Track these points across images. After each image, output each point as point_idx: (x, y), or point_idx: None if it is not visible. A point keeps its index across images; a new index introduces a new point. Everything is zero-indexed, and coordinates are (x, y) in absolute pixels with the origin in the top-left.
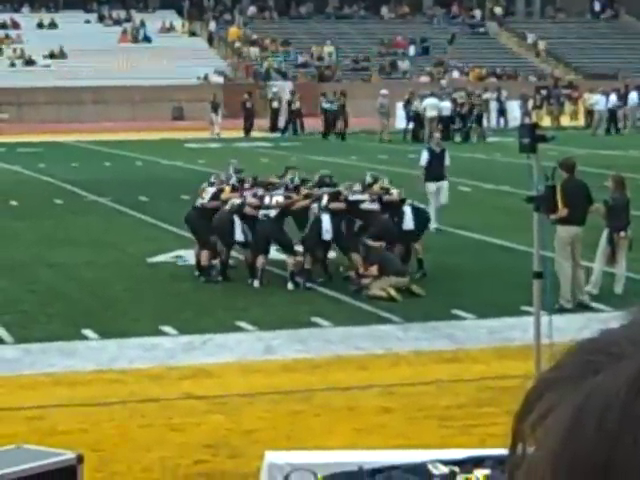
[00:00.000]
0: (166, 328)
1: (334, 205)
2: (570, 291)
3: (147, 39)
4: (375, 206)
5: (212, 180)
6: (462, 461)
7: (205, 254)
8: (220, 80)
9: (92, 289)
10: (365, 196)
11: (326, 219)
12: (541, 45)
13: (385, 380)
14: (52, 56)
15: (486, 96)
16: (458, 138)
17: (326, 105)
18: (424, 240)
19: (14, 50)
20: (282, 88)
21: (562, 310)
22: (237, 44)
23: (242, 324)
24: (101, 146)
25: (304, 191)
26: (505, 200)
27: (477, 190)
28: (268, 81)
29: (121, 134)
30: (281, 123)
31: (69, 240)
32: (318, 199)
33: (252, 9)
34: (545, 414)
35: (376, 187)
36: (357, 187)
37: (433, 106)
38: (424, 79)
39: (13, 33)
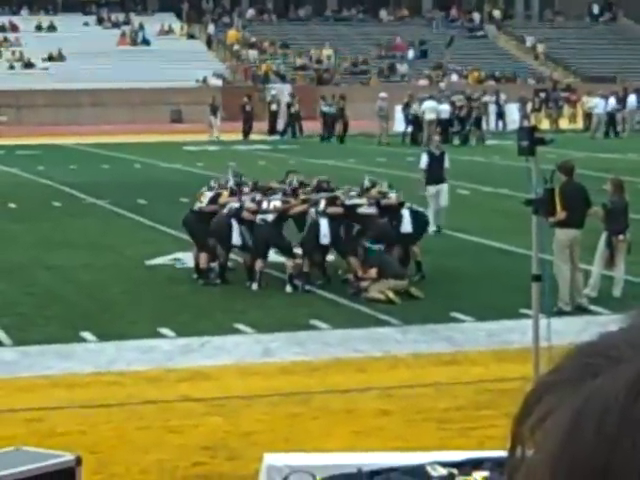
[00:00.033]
0: (164, 330)
1: (331, 210)
2: (569, 294)
3: (146, 42)
4: (372, 210)
5: (212, 184)
6: (461, 463)
7: (204, 257)
8: (219, 83)
9: (90, 291)
10: (363, 200)
11: (324, 223)
12: (540, 48)
13: (384, 383)
14: (51, 59)
15: (485, 99)
16: (457, 141)
17: (325, 108)
18: (422, 243)
19: (13, 53)
20: (281, 91)
21: (561, 313)
22: (236, 47)
23: (240, 326)
24: (99, 149)
25: (302, 196)
26: (504, 203)
27: (476, 193)
28: (267, 84)
29: (120, 137)
30: (280, 126)
31: (67, 243)
32: (316, 204)
33: (251, 12)
34: (544, 417)
35: (374, 191)
36: (354, 192)
37: (432, 109)
38: (423, 82)
39: (12, 36)
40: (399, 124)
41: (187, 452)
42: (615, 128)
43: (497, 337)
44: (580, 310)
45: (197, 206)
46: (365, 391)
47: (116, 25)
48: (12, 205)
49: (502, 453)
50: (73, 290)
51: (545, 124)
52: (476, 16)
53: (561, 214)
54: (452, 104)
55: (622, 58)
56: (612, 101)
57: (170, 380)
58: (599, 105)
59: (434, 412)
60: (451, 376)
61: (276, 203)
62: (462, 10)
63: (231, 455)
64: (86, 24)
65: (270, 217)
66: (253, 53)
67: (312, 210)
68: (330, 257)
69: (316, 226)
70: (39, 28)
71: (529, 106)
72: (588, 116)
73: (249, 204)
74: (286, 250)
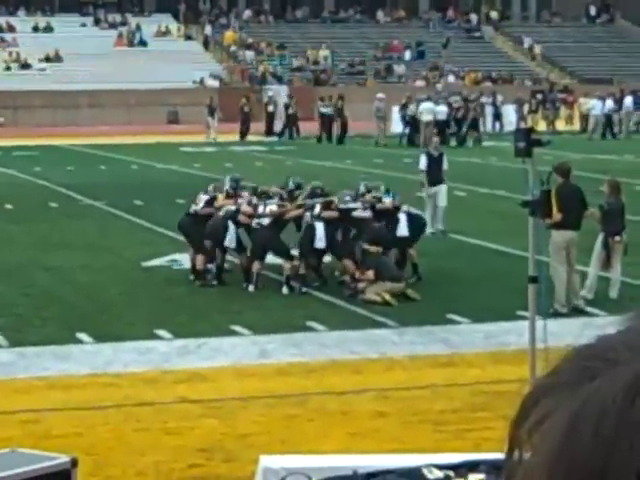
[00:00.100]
0: (161, 332)
1: (326, 214)
2: (565, 296)
3: (143, 43)
4: (367, 213)
5: (209, 189)
6: (457, 465)
7: (201, 258)
8: (216, 84)
9: (87, 293)
10: (357, 204)
11: (320, 227)
12: (537, 49)
13: (380, 384)
14: (48, 60)
15: (482, 100)
16: (453, 142)
17: (324, 109)
18: (419, 244)
19: (10, 53)
20: (278, 92)
21: (557, 315)
22: (233, 48)
23: (237, 328)
24: (96, 150)
25: (298, 200)
26: (500, 204)
27: (472, 194)
28: (264, 85)
29: (117, 138)
30: (277, 127)
31: (64, 244)
32: (311, 208)
33: (248, 13)
34: (541, 420)
35: (368, 196)
36: (348, 197)
37: (429, 110)
38: (420, 83)
39: (9, 36)
40: (396, 125)
41: (183, 454)
42: (612, 130)
43: (493, 339)
44: (577, 312)
45: (192, 209)
46: (361, 393)
47: (113, 26)
48: (9, 206)
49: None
50: (70, 291)
51: (542, 125)
52: (473, 17)
53: (557, 216)
54: (449, 105)
55: (619, 60)
56: (609, 103)
57: (167, 382)
58: (597, 107)
59: (430, 414)
60: (447, 378)
61: (272, 207)
62: (459, 11)
63: (227, 457)
64: (83, 25)
65: (266, 221)
66: (250, 54)
67: (307, 214)
68: (327, 259)
69: (312, 230)
70: (36, 29)
71: (526, 107)
72: (585, 117)
73: (245, 207)
74: (283, 253)
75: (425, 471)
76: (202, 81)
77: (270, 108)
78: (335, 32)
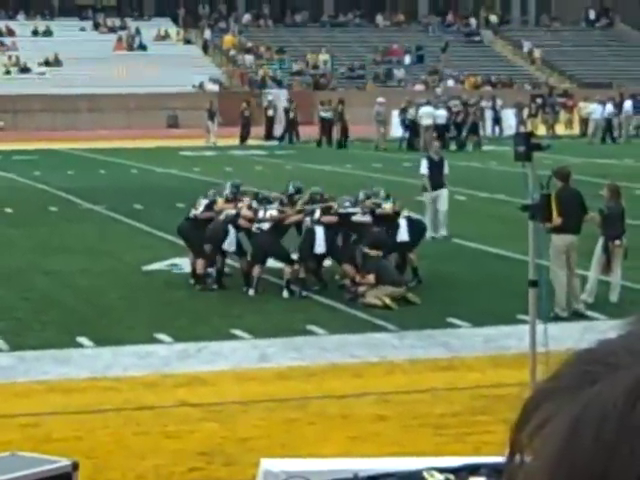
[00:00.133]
0: (161, 336)
1: (326, 218)
2: (565, 300)
3: (142, 47)
4: (367, 218)
5: (210, 194)
6: (457, 469)
7: (201, 262)
8: (215, 88)
9: (87, 297)
10: (357, 209)
11: (319, 232)
12: (536, 53)
13: (380, 388)
14: (47, 64)
15: (481, 104)
16: (453, 146)
17: (324, 114)
18: (419, 248)
19: (9, 57)
20: (277, 96)
21: (557, 318)
22: (232, 52)
23: (237, 332)
24: (96, 154)
25: (298, 206)
26: (500, 209)
27: (472, 199)
28: (263, 89)
29: (116, 142)
30: (277, 131)
31: (64, 248)
32: (311, 213)
33: (247, 17)
34: (542, 424)
35: (368, 202)
36: (348, 203)
37: (428, 114)
38: (419, 87)
39: (8, 40)
40: (396, 129)
41: (184, 458)
42: (612, 134)
43: (494, 343)
44: (577, 316)
45: (192, 213)
46: (361, 396)
47: (112, 30)
48: (9, 210)
49: (498, 459)
50: (70, 295)
51: (541, 130)
52: (473, 21)
53: (557, 220)
54: (449, 109)
55: (618, 64)
56: (609, 107)
57: (167, 385)
58: (597, 111)
59: (430, 418)
60: (447, 382)
61: (272, 212)
62: (458, 15)
63: (228, 461)
64: (82, 29)
65: (266, 226)
66: (249, 58)
67: (307, 219)
68: (327, 263)
69: (312, 235)
70: (35, 33)
71: (525, 112)
72: (584, 122)
73: (245, 211)
74: (284, 258)
75: (425, 474)
76: (202, 85)
77: (270, 112)
78: (334, 36)
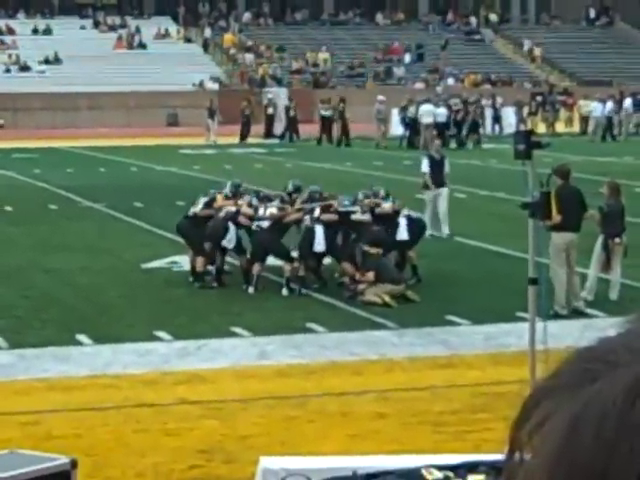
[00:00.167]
0: (160, 333)
1: (326, 217)
2: (565, 297)
3: (142, 45)
4: (366, 217)
5: (211, 193)
6: (456, 466)
7: (201, 260)
8: (215, 87)
9: (87, 295)
10: (356, 207)
11: (319, 230)
12: (536, 52)
13: (379, 386)
14: (47, 62)
15: (481, 103)
16: (453, 145)
17: (325, 112)
18: (419, 246)
19: (9, 56)
20: (277, 94)
21: (557, 316)
22: (232, 50)
23: (237, 329)
24: (96, 152)
25: (297, 204)
26: (500, 206)
27: (472, 197)
28: (263, 87)
29: (116, 140)
30: (278, 129)
31: (64, 246)
32: (310, 211)
33: (247, 15)
34: (542, 422)
35: (367, 201)
36: (347, 202)
37: (429, 113)
38: (419, 85)
39: (8, 39)
40: (396, 127)
41: (183, 455)
42: (612, 132)
43: (493, 340)
44: (577, 313)
45: (191, 211)
46: (361, 394)
47: (112, 28)
48: (9, 208)
49: (498, 456)
50: (70, 293)
51: (541, 128)
52: (473, 20)
53: (556, 217)
54: (449, 108)
55: (618, 62)
56: (610, 104)
57: (166, 383)
58: (597, 109)
59: (430, 415)
60: (447, 379)
61: (272, 210)
62: (459, 14)
63: (227, 458)
64: (83, 27)
65: (266, 223)
66: (249, 57)
67: (307, 217)
68: (327, 260)
69: (311, 233)
70: (35, 31)
71: (525, 110)
72: (584, 120)
73: (245, 209)
74: (284, 256)
75: (425, 472)
76: (201, 84)
77: (270, 110)
78: (334, 34)
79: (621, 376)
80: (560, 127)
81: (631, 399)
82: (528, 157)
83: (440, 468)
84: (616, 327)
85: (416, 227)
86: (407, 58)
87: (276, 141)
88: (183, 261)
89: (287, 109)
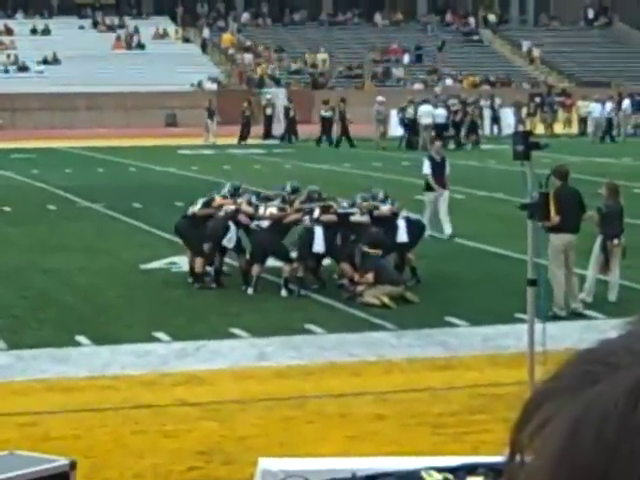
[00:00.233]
0: (159, 334)
1: (325, 217)
2: (564, 299)
3: (141, 45)
4: (365, 218)
5: (212, 194)
6: (455, 468)
7: (199, 261)
8: (214, 87)
9: (85, 295)
10: (355, 209)
11: (318, 231)
12: (535, 53)
13: (378, 387)
14: (46, 62)
15: (480, 103)
16: (452, 145)
17: (325, 113)
18: (417, 248)
19: (8, 56)
20: (276, 95)
21: (556, 318)
22: (231, 51)
23: (235, 331)
24: (94, 152)
25: (297, 205)
26: (499, 207)
27: (471, 197)
28: (262, 88)
29: (114, 140)
30: (275, 130)
31: (62, 246)
32: (310, 212)
33: (246, 16)
34: (543, 424)
35: (365, 203)
36: (345, 204)
37: (427, 113)
38: (418, 86)
39: (7, 39)
40: (395, 128)
41: (182, 457)
42: (611, 133)
43: (492, 342)
44: (575, 315)
45: (190, 211)
46: (360, 395)
47: (111, 29)
48: (7, 208)
49: (497, 458)
50: (68, 294)
51: (540, 129)
52: (471, 21)
53: (555, 218)
54: (447, 108)
55: (617, 63)
56: (609, 105)
57: (165, 384)
58: (596, 110)
59: (428, 417)
60: (445, 381)
61: (272, 210)
62: (457, 14)
63: (226, 460)
64: (81, 27)
65: (265, 223)
66: (248, 57)
67: (306, 218)
68: (326, 262)
69: (310, 234)
70: (34, 31)
71: (524, 111)
72: (583, 121)
73: (246, 207)
74: (283, 256)
75: (424, 474)
76: (200, 84)
77: (268, 111)
78: (333, 35)
79: (622, 378)
80: (558, 128)
81: (632, 401)
82: (527, 158)
83: (439, 470)
84: (617, 329)
85: (415, 229)
86: (406, 59)
87: (275, 142)
88: (182, 262)
89: (286, 110)
